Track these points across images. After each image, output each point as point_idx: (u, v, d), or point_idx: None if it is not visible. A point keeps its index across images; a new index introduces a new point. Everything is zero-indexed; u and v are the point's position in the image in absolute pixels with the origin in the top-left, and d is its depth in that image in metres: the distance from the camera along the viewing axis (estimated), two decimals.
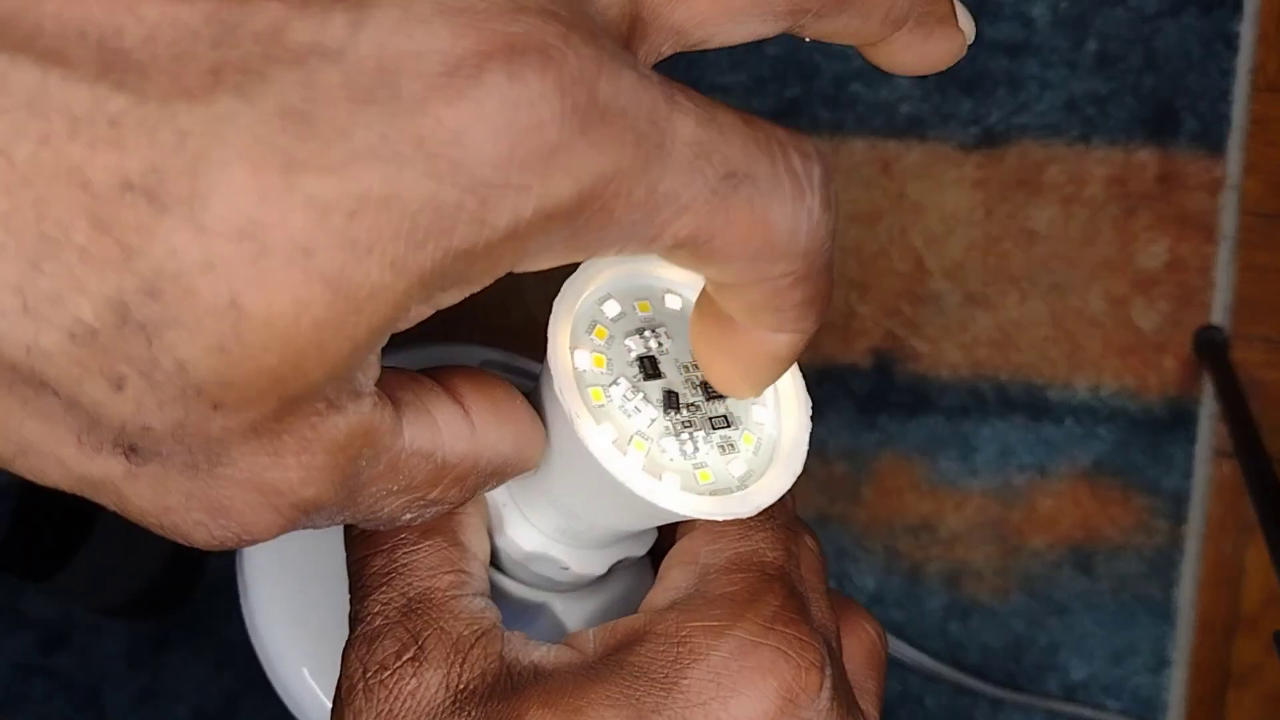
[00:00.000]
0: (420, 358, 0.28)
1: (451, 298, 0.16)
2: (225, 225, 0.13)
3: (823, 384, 0.86)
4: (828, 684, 0.22)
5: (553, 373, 0.20)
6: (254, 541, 0.16)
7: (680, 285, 0.23)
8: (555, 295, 0.21)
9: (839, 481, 0.86)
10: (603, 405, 0.21)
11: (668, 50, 0.18)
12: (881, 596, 0.86)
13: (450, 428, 0.19)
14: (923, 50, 0.20)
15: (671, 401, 0.21)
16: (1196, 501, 0.85)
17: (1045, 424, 0.86)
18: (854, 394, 0.87)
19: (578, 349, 0.21)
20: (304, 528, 0.17)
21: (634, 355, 0.22)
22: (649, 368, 0.22)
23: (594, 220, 0.15)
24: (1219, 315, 0.86)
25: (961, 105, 0.86)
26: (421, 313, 0.15)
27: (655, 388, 0.21)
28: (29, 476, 0.15)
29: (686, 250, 0.16)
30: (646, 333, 0.22)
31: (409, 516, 0.19)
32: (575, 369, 0.21)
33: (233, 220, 0.13)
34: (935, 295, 0.87)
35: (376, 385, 0.17)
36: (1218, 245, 0.86)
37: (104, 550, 0.76)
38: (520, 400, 0.21)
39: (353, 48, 0.13)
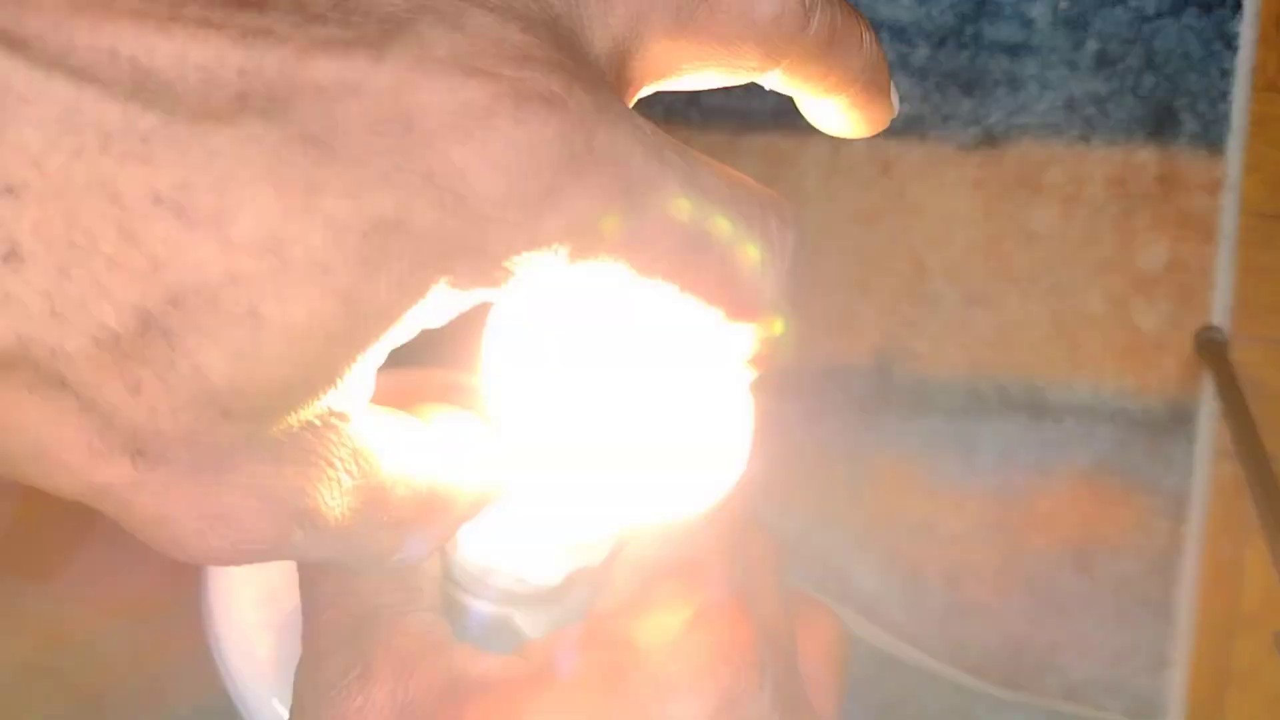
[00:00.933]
0: (387, 381, 0.28)
1: (444, 317, 0.16)
2: (250, 240, 0.14)
3: (823, 384, 0.86)
4: (769, 684, 0.22)
5: (490, 383, 0.21)
6: (249, 554, 0.17)
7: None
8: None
9: (839, 481, 0.86)
10: (537, 415, 0.21)
11: (646, 92, 0.19)
12: (881, 596, 0.86)
13: (434, 458, 0.19)
14: (860, 114, 0.22)
15: (612, 405, 0.22)
16: (1196, 501, 0.85)
17: (1045, 424, 0.86)
18: (854, 394, 0.87)
19: (512, 361, 0.21)
20: (298, 552, 0.17)
21: (574, 360, 0.22)
22: (589, 373, 0.22)
23: (578, 258, 0.16)
24: (1219, 315, 0.86)
25: (961, 105, 0.86)
26: (413, 332, 0.16)
27: (596, 393, 0.22)
28: (40, 482, 0.16)
29: (659, 295, 0.17)
30: (587, 336, 0.22)
31: (399, 556, 0.19)
32: (510, 382, 0.21)
33: (257, 236, 0.14)
34: (935, 295, 0.87)
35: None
36: (1217, 245, 0.86)
37: (106, 550, 0.76)
38: (491, 431, 0.21)
39: (371, 83, 0.14)
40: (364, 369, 0.16)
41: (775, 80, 0.20)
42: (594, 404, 0.21)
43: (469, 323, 0.21)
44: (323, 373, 0.15)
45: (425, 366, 0.27)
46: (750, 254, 0.18)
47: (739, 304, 0.18)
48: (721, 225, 0.17)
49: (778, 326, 0.19)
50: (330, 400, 0.16)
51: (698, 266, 0.17)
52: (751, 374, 0.20)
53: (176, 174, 0.13)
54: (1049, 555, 0.86)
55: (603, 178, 0.15)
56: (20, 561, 0.71)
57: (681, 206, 0.16)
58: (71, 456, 0.15)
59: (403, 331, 0.16)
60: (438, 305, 0.16)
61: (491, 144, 0.14)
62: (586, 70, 0.16)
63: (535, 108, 0.14)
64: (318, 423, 0.16)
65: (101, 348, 0.14)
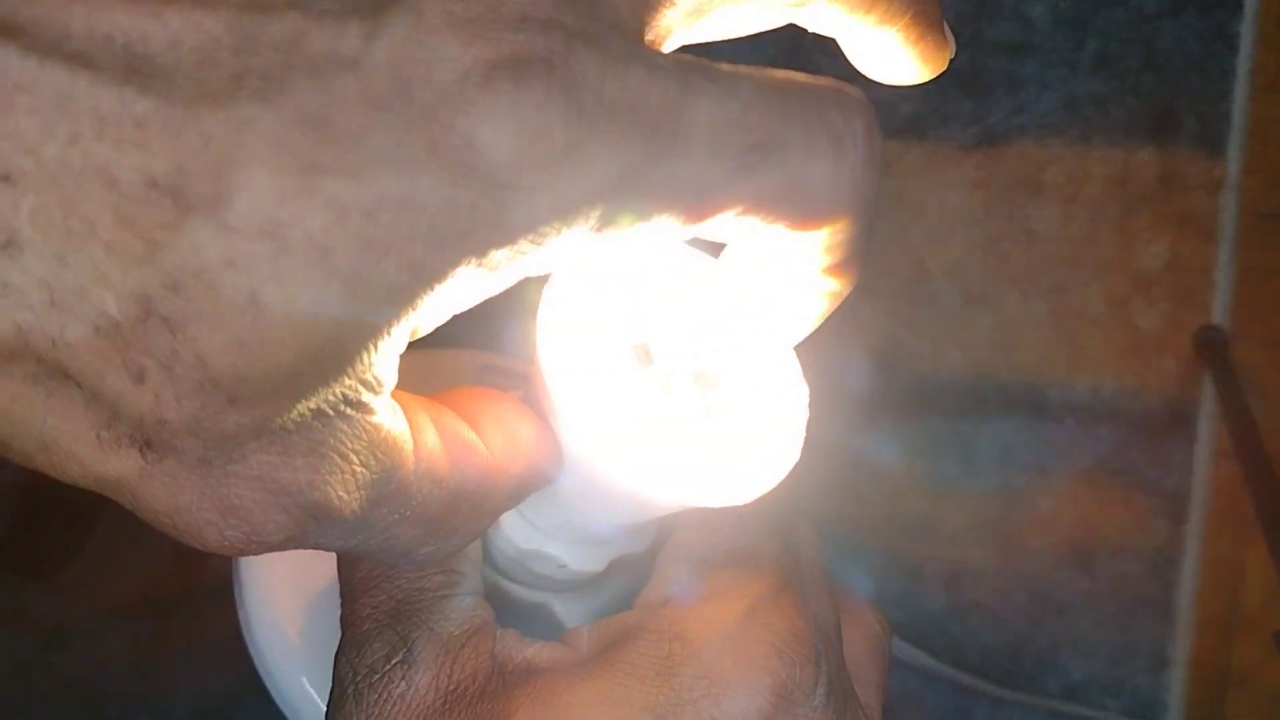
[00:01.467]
0: (419, 362, 0.28)
1: (476, 298, 0.16)
2: (247, 224, 0.13)
3: (823, 384, 0.86)
4: (823, 679, 0.22)
5: (542, 370, 0.20)
6: (265, 544, 0.16)
7: (670, 263, 0.22)
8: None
9: (839, 481, 0.86)
10: (594, 398, 0.21)
11: (678, 42, 0.19)
12: (881, 596, 0.86)
13: (463, 452, 0.19)
14: (912, 52, 0.20)
15: (666, 391, 0.21)
16: (1196, 502, 0.85)
17: (1045, 424, 0.86)
18: (854, 394, 0.87)
19: (568, 343, 0.21)
20: (316, 542, 0.17)
21: (628, 344, 0.21)
22: (643, 357, 0.21)
23: (612, 215, 0.15)
24: (1219, 315, 0.86)
25: (961, 105, 0.86)
26: (439, 317, 0.16)
27: (649, 377, 0.21)
28: (52, 473, 0.15)
29: (726, 222, 0.17)
30: (641, 320, 0.22)
31: (428, 550, 0.19)
32: (566, 363, 0.20)
33: (255, 219, 0.13)
34: (935, 295, 0.87)
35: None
36: (1218, 245, 0.86)
37: (106, 550, 0.76)
38: (532, 420, 0.21)
39: (368, 56, 0.14)
40: (380, 357, 0.15)
41: (816, 17, 0.19)
42: (648, 387, 0.21)
43: (505, 303, 0.20)
44: (331, 360, 0.15)
45: (460, 347, 0.26)
46: (816, 151, 0.17)
47: (817, 205, 0.17)
48: (773, 133, 0.16)
49: (860, 223, 0.17)
50: (344, 389, 0.15)
51: (757, 181, 0.16)
52: (836, 286, 0.19)
53: (172, 158, 0.13)
54: (1048, 555, 0.86)
55: (621, 126, 0.15)
56: (20, 560, 0.71)
57: (721, 128, 0.16)
58: (80, 448, 0.15)
59: (426, 316, 0.15)
60: (464, 287, 0.15)
61: (495, 109, 0.14)
62: (591, 25, 0.15)
63: (535, 69, 0.14)
64: (330, 413, 0.16)
65: (103, 336, 0.14)
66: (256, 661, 0.30)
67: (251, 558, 0.31)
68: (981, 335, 0.87)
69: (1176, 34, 0.86)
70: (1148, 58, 0.86)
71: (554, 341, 0.20)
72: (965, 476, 0.86)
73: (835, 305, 0.20)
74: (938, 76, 0.20)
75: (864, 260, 0.19)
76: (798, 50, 0.85)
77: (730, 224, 0.17)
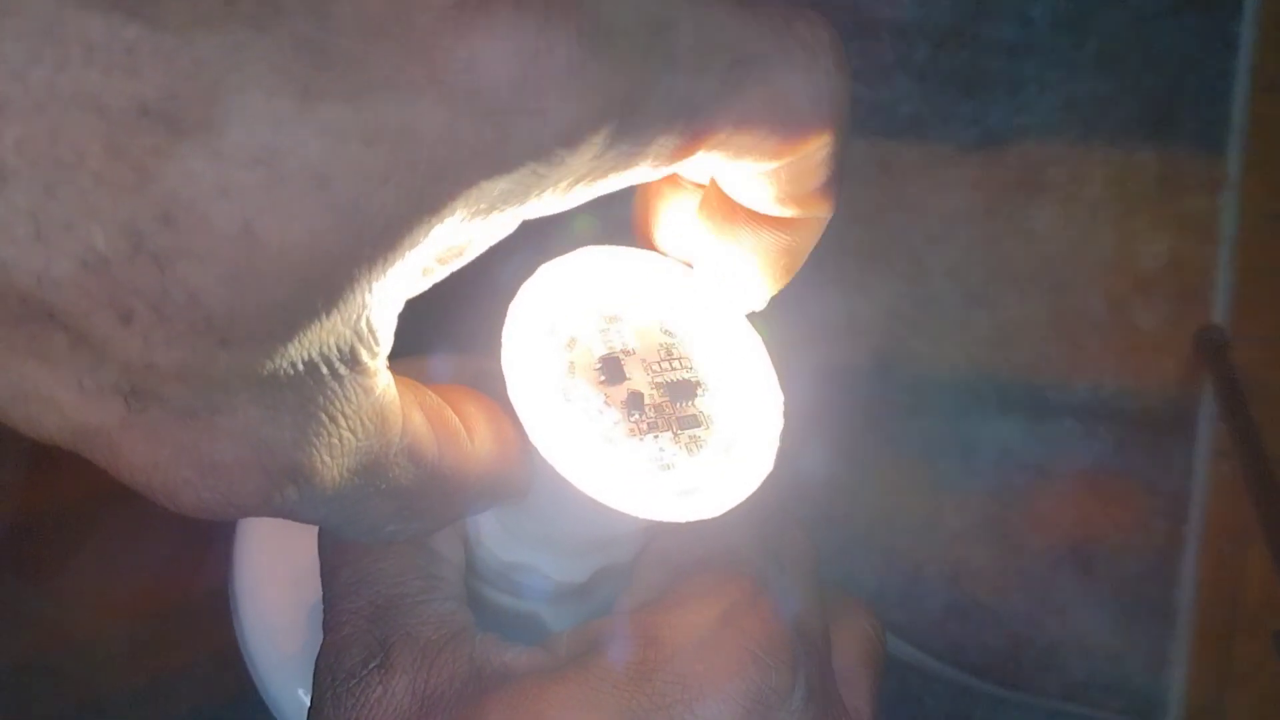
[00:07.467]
0: (415, 367, 0.28)
1: (474, 243, 0.15)
2: (241, 151, 0.13)
3: (823, 384, 0.86)
4: (801, 684, 0.21)
5: (509, 380, 0.20)
6: (239, 508, 0.16)
7: (640, 274, 0.22)
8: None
9: (839, 481, 0.86)
10: (564, 411, 0.20)
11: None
12: (882, 596, 0.86)
13: (448, 441, 0.19)
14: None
15: (636, 403, 0.21)
16: (1196, 501, 0.85)
17: (1045, 424, 0.86)
18: (854, 394, 0.87)
19: (537, 354, 0.21)
20: (290, 510, 0.16)
21: (597, 357, 0.21)
22: (613, 370, 0.21)
23: (615, 139, 0.15)
24: (1219, 315, 0.86)
25: (962, 106, 0.86)
26: (441, 265, 0.15)
27: (620, 390, 0.21)
28: (25, 426, 0.15)
29: (719, 146, 0.16)
30: (610, 333, 0.21)
31: (392, 529, 0.18)
32: (534, 374, 0.20)
33: (249, 147, 0.13)
34: (935, 295, 0.87)
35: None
36: (1217, 245, 0.86)
37: (105, 552, 0.76)
38: (522, 435, 0.20)
39: None
40: (376, 302, 0.15)
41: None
42: (619, 399, 0.21)
43: (503, 308, 0.20)
44: (326, 298, 0.14)
45: (460, 353, 0.26)
46: (792, 61, 0.17)
47: (800, 114, 0.17)
48: (751, 47, 0.16)
49: (839, 137, 0.17)
50: (338, 337, 0.15)
51: (743, 96, 0.16)
52: (826, 208, 0.19)
53: (163, 84, 0.12)
54: (1048, 555, 0.86)
55: (618, 48, 0.14)
56: (20, 562, 0.71)
57: (704, 48, 0.15)
58: (61, 395, 0.14)
59: (425, 259, 0.15)
60: (467, 224, 0.15)
61: (495, 31, 0.13)
62: None
63: None
64: (323, 370, 0.15)
65: (90, 273, 0.13)
66: (251, 672, 0.30)
67: (246, 569, 0.31)
68: (981, 335, 0.87)
69: (1176, 34, 0.86)
70: (1147, 58, 0.86)
71: (520, 359, 0.20)
72: (965, 476, 0.86)
73: (818, 236, 0.20)
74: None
75: (842, 182, 0.19)
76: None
77: (722, 148, 0.17)
